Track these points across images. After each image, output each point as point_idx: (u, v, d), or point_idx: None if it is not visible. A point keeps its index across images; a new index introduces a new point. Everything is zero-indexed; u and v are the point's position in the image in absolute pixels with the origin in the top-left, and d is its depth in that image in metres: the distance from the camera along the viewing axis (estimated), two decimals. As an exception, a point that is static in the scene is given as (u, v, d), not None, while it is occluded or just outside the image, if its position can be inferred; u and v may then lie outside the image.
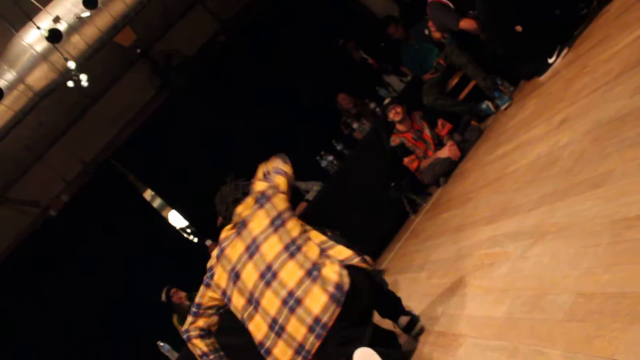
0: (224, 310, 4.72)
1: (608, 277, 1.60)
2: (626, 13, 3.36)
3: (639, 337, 1.31)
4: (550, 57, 4.22)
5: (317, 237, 2.43)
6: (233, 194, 2.57)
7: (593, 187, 2.11)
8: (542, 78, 4.28)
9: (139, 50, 7.14)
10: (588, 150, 2.42)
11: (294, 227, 2.41)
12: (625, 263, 1.57)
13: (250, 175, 2.78)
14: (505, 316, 2.02)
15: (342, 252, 2.35)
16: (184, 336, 2.62)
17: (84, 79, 4.71)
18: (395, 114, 5.31)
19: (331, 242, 2.40)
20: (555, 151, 2.82)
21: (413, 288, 3.42)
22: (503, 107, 4.96)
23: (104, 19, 4.80)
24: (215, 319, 2.64)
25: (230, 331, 4.61)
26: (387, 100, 5.55)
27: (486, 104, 5.23)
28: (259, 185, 2.58)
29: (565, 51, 4.17)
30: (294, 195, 6.30)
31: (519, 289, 2.09)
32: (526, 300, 1.96)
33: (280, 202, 2.48)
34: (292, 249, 2.30)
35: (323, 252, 2.33)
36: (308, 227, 2.49)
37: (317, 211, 5.32)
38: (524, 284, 2.08)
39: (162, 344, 5.04)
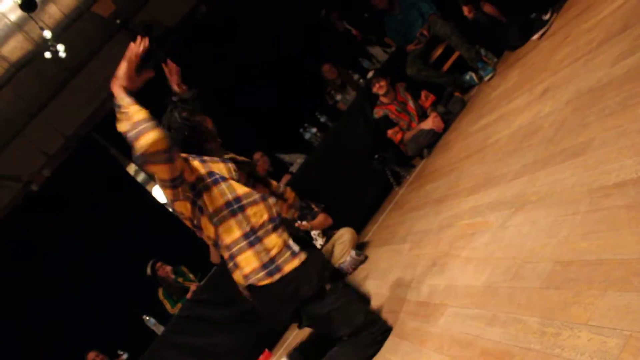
0: (206, 284, 4.72)
1: (585, 244, 1.61)
2: (609, -19, 3.34)
3: (614, 302, 1.32)
4: (545, 14, 4.18)
5: (229, 236, 2.25)
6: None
7: (573, 156, 2.12)
8: (536, 36, 4.24)
9: (118, 21, 6.99)
10: (569, 120, 2.42)
11: (205, 227, 2.27)
12: (602, 231, 1.58)
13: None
14: (485, 285, 2.04)
15: (248, 262, 2.22)
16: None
17: (61, 49, 4.61)
18: (379, 87, 5.27)
19: (241, 245, 2.24)
20: (537, 121, 2.82)
21: (395, 259, 3.44)
22: (486, 78, 4.95)
23: (81, -12, 4.69)
24: None
25: (214, 305, 4.64)
26: (371, 73, 5.50)
27: (470, 75, 5.21)
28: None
29: (554, 15, 4.14)
30: (277, 167, 6.33)
31: (498, 258, 2.11)
32: (506, 269, 1.97)
33: (183, 210, 2.26)
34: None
35: (231, 258, 2.23)
36: (218, 218, 2.25)
37: (301, 183, 5.30)
38: (503, 253, 2.10)
39: (147, 317, 5.04)
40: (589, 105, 2.32)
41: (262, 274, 2.19)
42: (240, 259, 2.22)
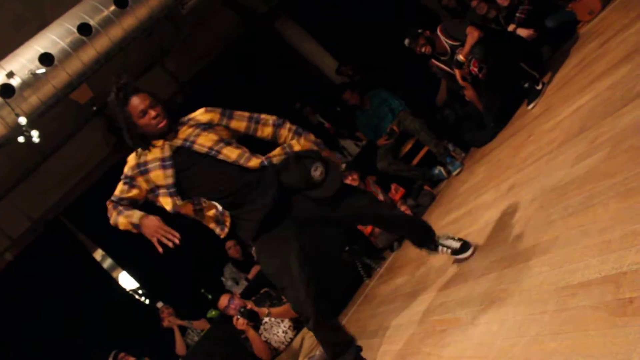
0: None
1: (554, 345, 1.60)
2: (566, 86, 3.55)
3: (584, 407, 1.31)
4: (537, 84, 4.29)
5: None
6: None
7: (539, 253, 2.15)
8: (530, 106, 4.27)
9: (94, 108, 7.06)
10: (534, 217, 2.48)
11: None
12: (570, 331, 1.58)
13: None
14: (455, 385, 2.00)
15: None
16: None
17: (35, 135, 4.59)
18: (352, 180, 5.35)
19: None
20: (504, 217, 2.88)
21: (366, 355, 3.35)
22: (455, 173, 5.09)
23: (59, 76, 4.72)
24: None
25: None
26: (343, 166, 5.61)
27: (438, 170, 5.36)
28: None
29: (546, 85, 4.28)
30: (249, 257, 6.27)
31: (469, 357, 2.08)
32: (475, 368, 1.95)
33: None
34: None
35: None
36: None
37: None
38: (474, 351, 2.07)
39: (105, 412, 4.79)
40: (552, 203, 2.40)
41: None
42: None
